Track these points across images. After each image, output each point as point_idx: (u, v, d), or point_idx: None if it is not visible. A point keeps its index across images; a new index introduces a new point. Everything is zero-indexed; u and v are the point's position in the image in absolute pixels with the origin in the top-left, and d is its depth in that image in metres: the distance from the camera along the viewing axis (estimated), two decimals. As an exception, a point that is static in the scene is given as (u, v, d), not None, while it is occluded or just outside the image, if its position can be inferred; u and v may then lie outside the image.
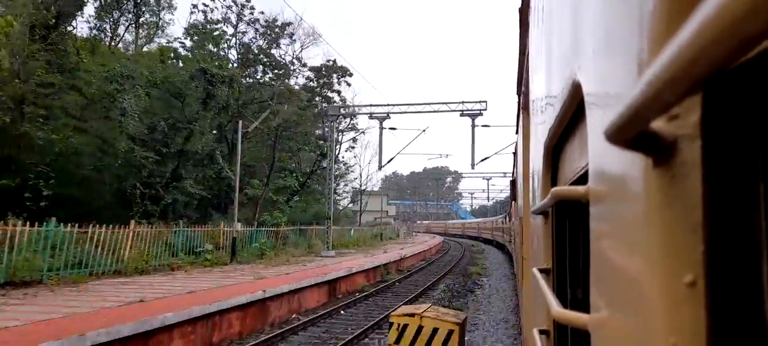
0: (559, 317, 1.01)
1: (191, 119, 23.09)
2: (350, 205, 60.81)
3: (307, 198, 36.49)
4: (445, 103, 26.49)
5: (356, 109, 31.54)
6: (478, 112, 25.49)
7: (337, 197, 52.15)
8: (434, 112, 26.67)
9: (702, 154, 0.40)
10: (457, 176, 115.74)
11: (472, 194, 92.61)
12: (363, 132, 50.13)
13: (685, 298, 0.41)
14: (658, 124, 0.44)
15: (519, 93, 5.11)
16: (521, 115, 4.36)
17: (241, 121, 20.54)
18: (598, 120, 0.73)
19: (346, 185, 53.22)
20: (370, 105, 28.98)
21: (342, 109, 33.11)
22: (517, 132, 6.41)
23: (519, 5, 3.72)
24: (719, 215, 0.40)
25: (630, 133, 0.45)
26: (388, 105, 27.92)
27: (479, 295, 17.15)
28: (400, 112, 27.33)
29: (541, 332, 1.64)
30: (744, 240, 0.40)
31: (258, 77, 34.85)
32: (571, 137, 1.29)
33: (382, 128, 28.51)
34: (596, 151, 0.75)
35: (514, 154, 7.90)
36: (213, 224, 21.30)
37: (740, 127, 0.40)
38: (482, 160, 28.12)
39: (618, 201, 0.63)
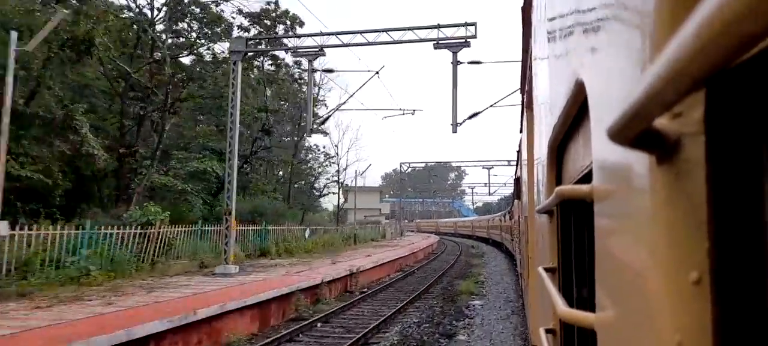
0: (565, 317, 1.01)
1: (26, 65, 14.72)
2: (344, 202, 56.62)
3: (251, 188, 28.53)
4: (411, 29, 16.14)
5: (277, 42, 21.06)
6: (463, 41, 15.55)
7: (315, 192, 48.36)
8: (393, 42, 16.36)
9: (706, 152, 0.40)
10: (461, 173, 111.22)
11: (472, 188, 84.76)
12: (339, 108, 43.72)
13: (690, 296, 0.41)
14: (661, 123, 0.44)
15: (522, 91, 5.12)
16: (525, 113, 4.37)
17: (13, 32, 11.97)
18: (601, 119, 0.73)
19: (328, 178, 47.91)
20: (295, 35, 19.22)
21: (250, 42, 20.06)
22: (521, 130, 6.41)
23: (521, 4, 3.73)
24: (724, 213, 0.40)
25: (632, 131, 0.45)
26: (321, 34, 17.22)
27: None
28: (340, 45, 16.97)
29: (548, 331, 1.64)
30: (749, 237, 0.40)
31: (193, 37, 27.13)
32: (575, 136, 1.29)
33: (312, 70, 19.09)
34: (600, 150, 0.75)
35: (518, 152, 7.91)
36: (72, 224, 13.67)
37: (744, 124, 0.40)
38: (471, 117, 17.09)
39: (622, 200, 0.63)
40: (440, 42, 15.84)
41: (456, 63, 15.88)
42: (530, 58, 3.17)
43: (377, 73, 18.62)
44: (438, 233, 69.95)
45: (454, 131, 16.42)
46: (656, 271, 0.47)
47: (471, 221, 64.94)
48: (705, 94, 0.40)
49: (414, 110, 26.13)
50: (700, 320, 0.40)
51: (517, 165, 9.32)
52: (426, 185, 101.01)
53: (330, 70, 21.56)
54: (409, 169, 70.52)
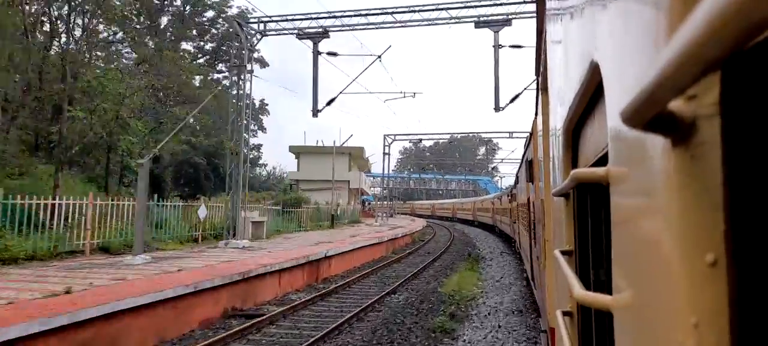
0: (582, 299, 1.02)
1: None
2: (286, 171, 41.95)
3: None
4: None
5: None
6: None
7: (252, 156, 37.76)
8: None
9: (721, 134, 0.40)
10: (493, 147, 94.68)
11: (493, 146, 72.85)
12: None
13: (706, 277, 0.41)
14: (676, 105, 0.44)
15: (537, 73, 5.06)
16: (540, 96, 4.33)
17: None
18: (616, 101, 0.73)
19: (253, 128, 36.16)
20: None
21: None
22: (536, 113, 6.36)
23: (535, -16, 3.66)
24: (740, 194, 0.40)
25: (647, 114, 0.45)
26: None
27: None
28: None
29: (565, 313, 1.65)
30: (765, 219, 0.40)
31: None
32: (591, 119, 1.28)
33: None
34: (615, 133, 0.75)
35: (531, 134, 7.84)
36: None
37: (760, 105, 0.40)
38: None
39: (638, 182, 0.63)
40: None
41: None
42: (545, 40, 3.14)
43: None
44: (413, 215, 64.55)
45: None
46: (672, 253, 0.47)
47: (452, 203, 61.85)
48: (720, 76, 0.40)
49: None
50: (716, 302, 0.40)
51: (527, 147, 9.26)
52: (451, 159, 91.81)
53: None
54: (433, 143, 65.21)
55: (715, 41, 0.30)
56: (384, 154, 39.18)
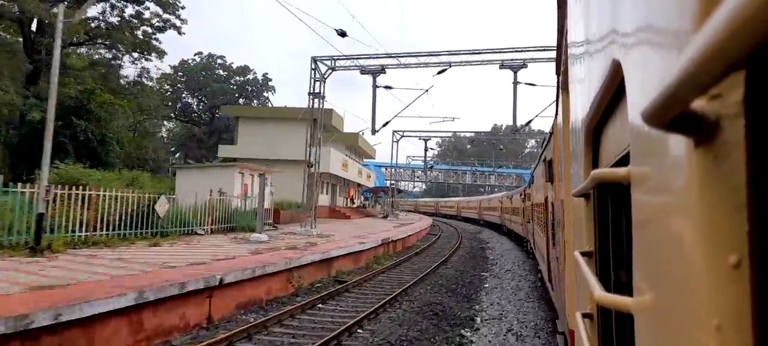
0: (602, 301, 1.01)
1: None
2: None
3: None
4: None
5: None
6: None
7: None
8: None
9: (746, 134, 0.39)
10: (543, 140, 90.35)
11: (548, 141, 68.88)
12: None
13: (729, 279, 0.41)
14: (699, 104, 0.43)
15: (558, 73, 5.01)
16: (561, 95, 4.28)
17: None
18: (638, 100, 0.72)
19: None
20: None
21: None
22: (556, 113, 6.30)
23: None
24: (764, 195, 0.40)
25: (669, 114, 0.45)
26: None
27: None
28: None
29: (585, 315, 1.63)
30: None
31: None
32: (612, 118, 1.26)
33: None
34: (637, 133, 0.74)
35: (551, 134, 7.76)
36: None
37: None
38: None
39: (660, 183, 0.62)
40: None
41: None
42: (565, 39, 3.10)
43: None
44: (418, 212, 63.97)
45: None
46: (695, 254, 0.47)
47: (457, 202, 63.72)
48: (745, 74, 0.39)
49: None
50: (739, 304, 0.40)
51: (546, 146, 9.18)
52: (491, 151, 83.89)
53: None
54: (474, 132, 62.78)
55: (739, 39, 0.29)
56: (310, 94, 22.17)
